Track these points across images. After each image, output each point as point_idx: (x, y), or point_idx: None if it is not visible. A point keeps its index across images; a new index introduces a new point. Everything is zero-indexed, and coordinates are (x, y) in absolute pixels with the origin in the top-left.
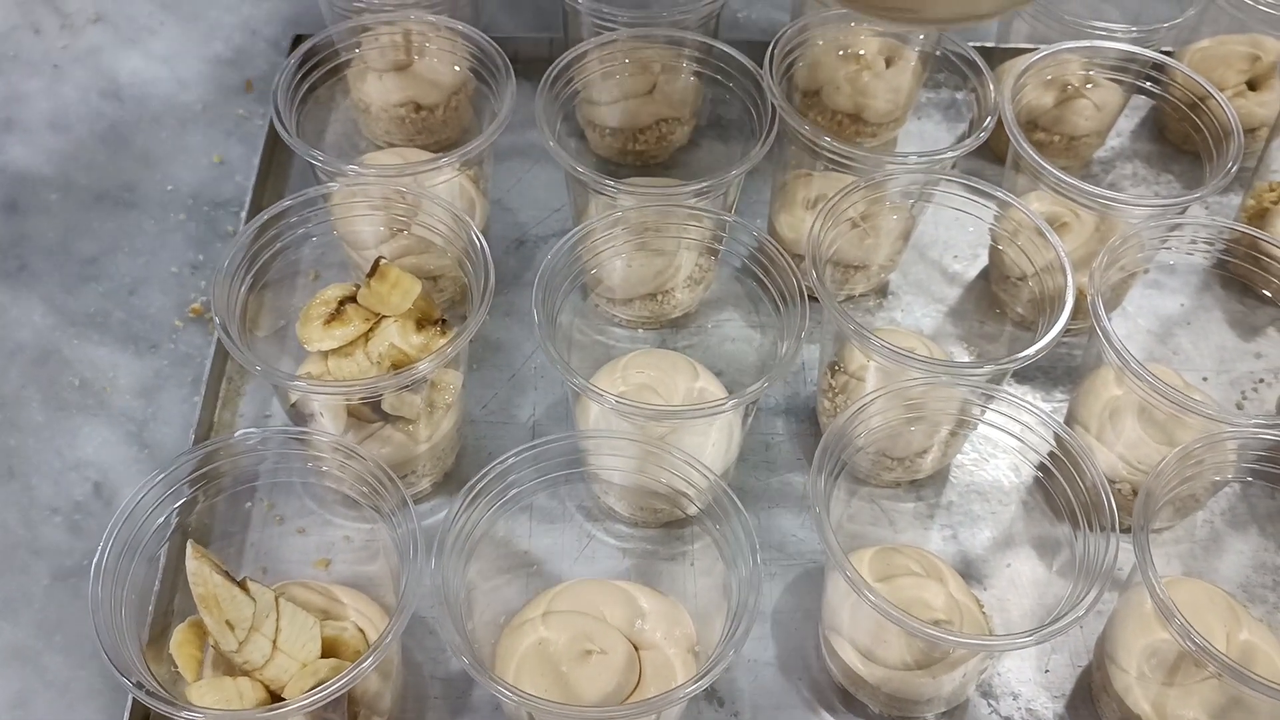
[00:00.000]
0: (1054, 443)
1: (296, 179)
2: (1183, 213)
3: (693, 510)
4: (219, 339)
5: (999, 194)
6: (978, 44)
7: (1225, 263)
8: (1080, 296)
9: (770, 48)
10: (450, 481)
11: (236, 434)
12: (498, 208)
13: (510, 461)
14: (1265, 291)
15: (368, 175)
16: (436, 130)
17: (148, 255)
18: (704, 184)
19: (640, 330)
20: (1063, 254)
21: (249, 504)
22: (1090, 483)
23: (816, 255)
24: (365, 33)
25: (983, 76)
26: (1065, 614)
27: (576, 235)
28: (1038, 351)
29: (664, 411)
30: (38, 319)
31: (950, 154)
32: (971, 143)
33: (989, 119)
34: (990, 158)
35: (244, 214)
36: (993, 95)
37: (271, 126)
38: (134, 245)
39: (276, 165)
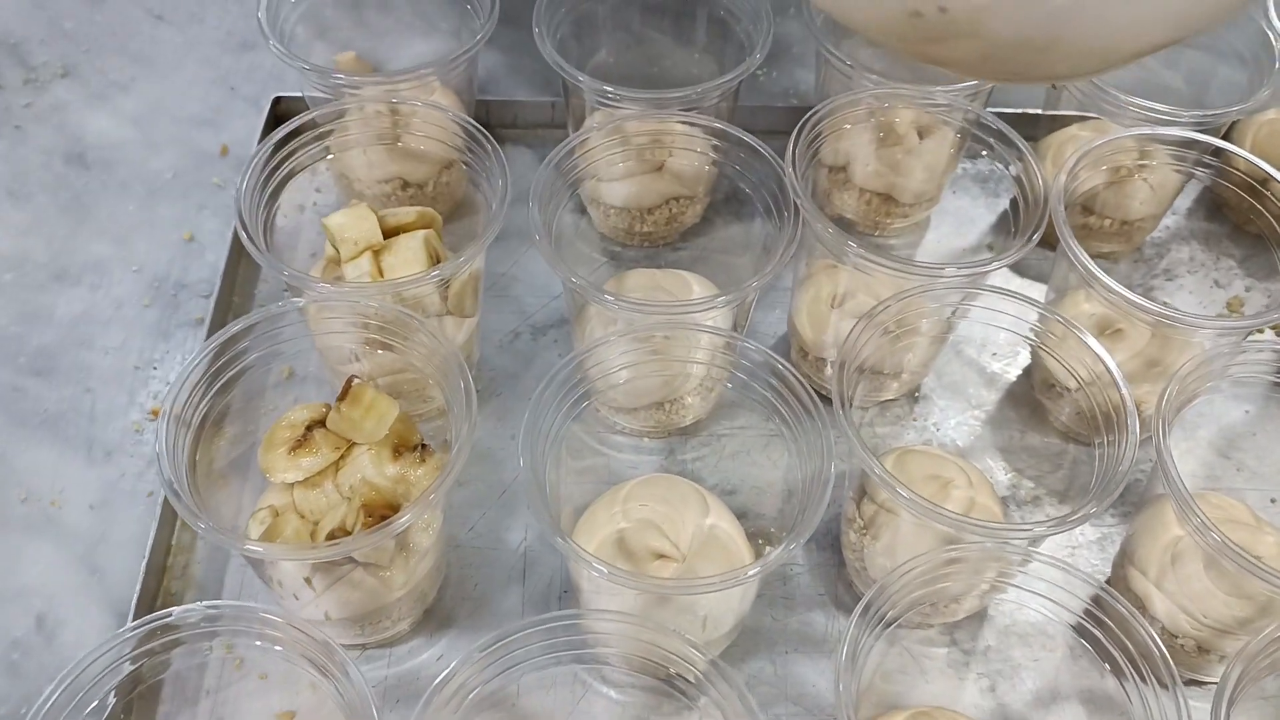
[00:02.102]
0: (1096, 605)
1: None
2: (1249, 335)
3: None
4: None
5: (1040, 308)
6: (1021, 110)
7: None
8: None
9: (794, 137)
10: (431, 619)
11: (175, 611)
12: (493, 292)
13: (496, 646)
14: None
15: (343, 290)
16: (427, 206)
17: (107, 346)
18: (716, 299)
19: (646, 440)
20: (1117, 373)
21: (208, 646)
22: (1140, 640)
23: (844, 392)
24: (347, 113)
25: (1028, 162)
26: None
27: (573, 361)
28: (1095, 514)
29: (666, 586)
30: None
31: (995, 265)
32: (1015, 254)
33: (1036, 230)
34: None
35: (213, 300)
36: (1041, 188)
37: None
38: (92, 334)
39: None
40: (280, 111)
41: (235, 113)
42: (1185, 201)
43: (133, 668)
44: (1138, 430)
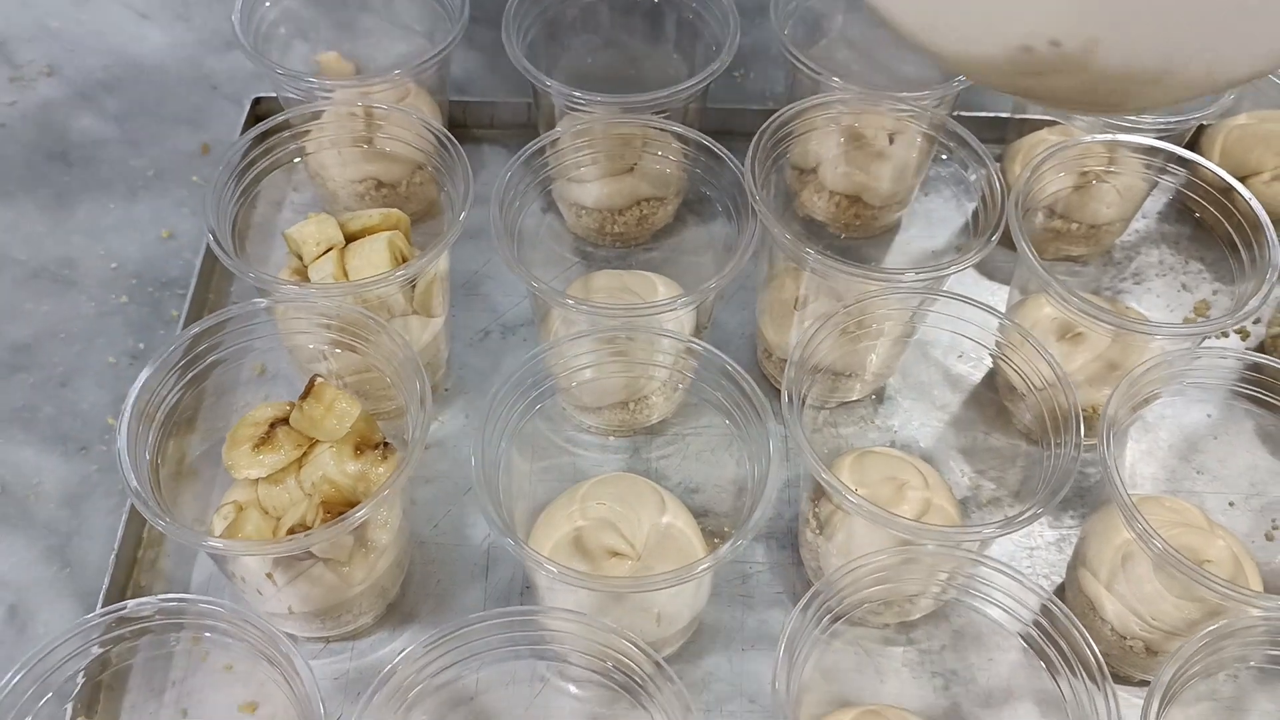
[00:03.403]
0: (1044, 613)
1: (248, 259)
2: (1203, 341)
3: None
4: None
5: (997, 315)
6: (992, 114)
7: (1252, 395)
8: (1094, 418)
9: (754, 143)
10: (394, 613)
11: (129, 604)
12: (464, 290)
13: (442, 640)
14: None
15: (306, 291)
16: (401, 205)
17: (83, 342)
18: (676, 300)
19: (612, 439)
20: (1064, 379)
21: (174, 638)
22: (1079, 645)
23: (794, 393)
24: (321, 115)
25: (990, 168)
26: None
27: (530, 361)
28: (1040, 515)
29: (616, 583)
30: None
31: (950, 270)
32: (971, 259)
33: (992, 233)
34: (1004, 242)
35: (188, 297)
36: (999, 194)
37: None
38: (69, 330)
39: None
40: (261, 111)
41: (216, 112)
42: (1156, 204)
43: (100, 651)
44: (1082, 434)
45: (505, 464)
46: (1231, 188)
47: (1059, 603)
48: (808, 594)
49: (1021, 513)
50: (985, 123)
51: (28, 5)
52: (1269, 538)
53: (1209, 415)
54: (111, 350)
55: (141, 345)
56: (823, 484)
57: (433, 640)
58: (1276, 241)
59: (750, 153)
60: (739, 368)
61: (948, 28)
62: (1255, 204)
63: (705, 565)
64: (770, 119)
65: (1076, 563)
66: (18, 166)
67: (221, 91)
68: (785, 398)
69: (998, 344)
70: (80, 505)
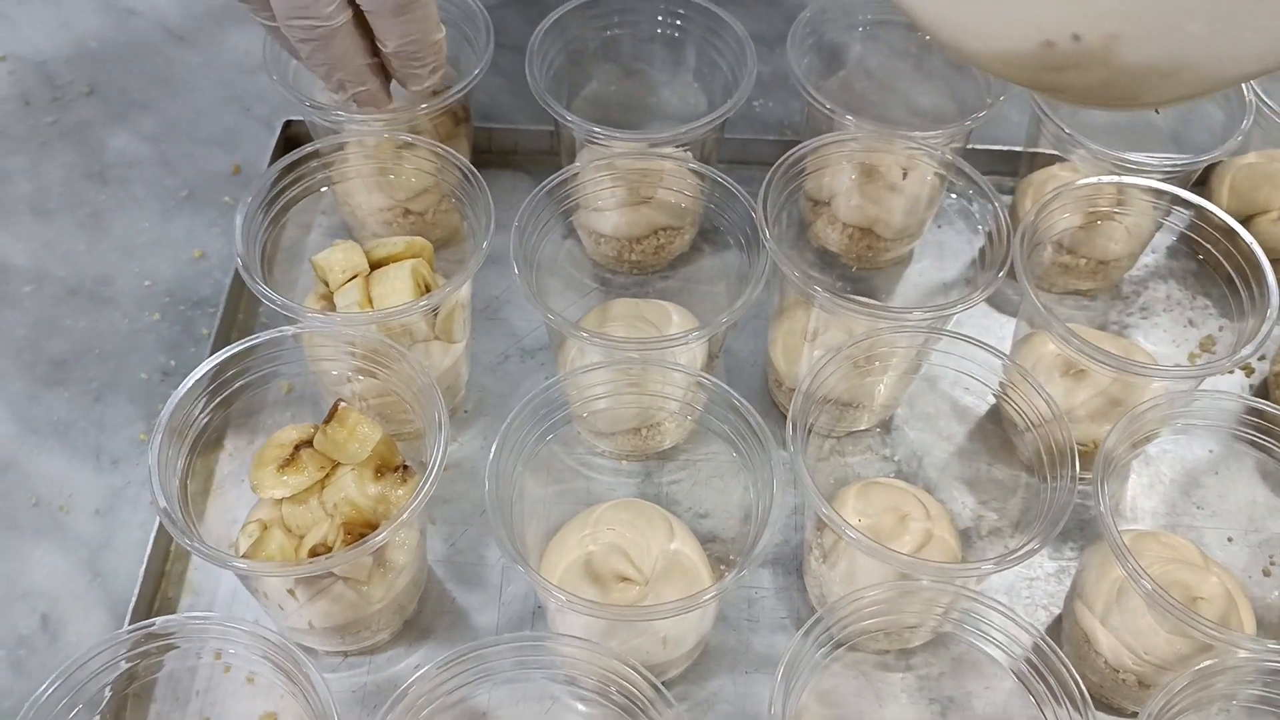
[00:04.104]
0: (1036, 655)
1: (276, 282)
2: (1201, 383)
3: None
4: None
5: (1000, 355)
6: (1006, 148)
7: (1251, 439)
8: (1096, 453)
9: (767, 180)
10: (411, 629)
11: (158, 621)
12: (485, 315)
13: (455, 661)
14: None
15: (331, 319)
16: (426, 232)
17: (118, 359)
18: (689, 334)
19: (625, 463)
20: (1060, 417)
21: (197, 651)
22: (1066, 682)
23: (799, 422)
24: (348, 145)
25: (997, 208)
26: None
27: (546, 390)
28: (1036, 550)
29: (622, 611)
30: (0, 427)
31: (959, 309)
32: (978, 298)
33: (999, 270)
34: (1015, 274)
35: (218, 317)
36: (1005, 233)
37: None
38: (105, 347)
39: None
40: (291, 134)
41: (248, 133)
42: (1165, 240)
43: (129, 665)
44: (1077, 470)
45: (519, 488)
46: (1234, 230)
47: (1049, 640)
48: (810, 620)
49: (1017, 549)
50: (998, 156)
51: (68, 26)
52: (1266, 573)
53: (1210, 451)
54: (144, 367)
55: (173, 362)
56: (823, 517)
57: (446, 661)
58: (1275, 284)
59: (763, 189)
60: (745, 402)
61: (974, 24)
62: (1255, 246)
63: (710, 595)
64: (784, 155)
65: (1074, 594)
66: (56, 184)
67: (253, 114)
68: (790, 428)
69: (1000, 383)
70: (111, 518)
